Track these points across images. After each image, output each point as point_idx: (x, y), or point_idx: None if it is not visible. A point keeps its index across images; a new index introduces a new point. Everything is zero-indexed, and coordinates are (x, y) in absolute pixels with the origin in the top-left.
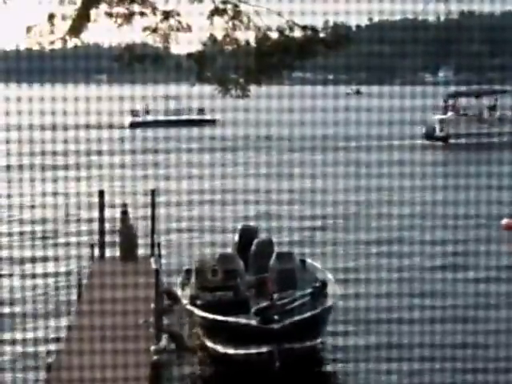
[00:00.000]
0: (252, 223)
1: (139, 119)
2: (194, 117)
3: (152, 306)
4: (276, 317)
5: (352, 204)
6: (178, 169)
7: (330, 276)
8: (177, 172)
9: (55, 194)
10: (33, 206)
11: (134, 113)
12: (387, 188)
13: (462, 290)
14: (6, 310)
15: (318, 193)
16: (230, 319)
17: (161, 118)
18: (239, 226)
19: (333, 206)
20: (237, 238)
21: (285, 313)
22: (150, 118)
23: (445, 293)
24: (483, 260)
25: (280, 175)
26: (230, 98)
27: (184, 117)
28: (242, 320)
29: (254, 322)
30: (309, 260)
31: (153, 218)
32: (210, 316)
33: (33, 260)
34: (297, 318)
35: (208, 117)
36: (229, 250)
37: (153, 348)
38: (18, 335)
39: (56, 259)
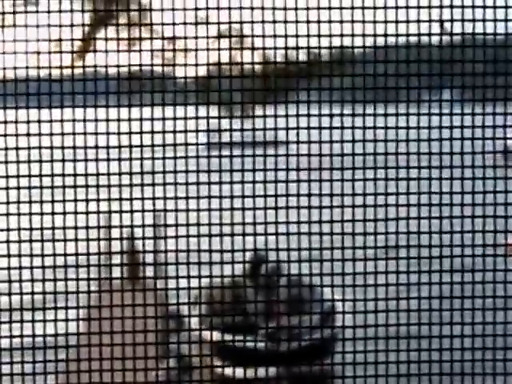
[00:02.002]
0: (262, 248)
1: (214, 139)
2: (268, 138)
3: (158, 327)
4: (283, 339)
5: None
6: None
7: (338, 299)
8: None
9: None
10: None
11: (208, 132)
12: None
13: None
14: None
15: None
16: (236, 342)
17: (235, 138)
18: (250, 250)
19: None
20: (247, 261)
21: (293, 336)
22: (223, 138)
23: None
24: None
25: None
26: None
27: (258, 138)
28: (250, 342)
29: (261, 344)
30: (318, 284)
31: (157, 237)
32: (218, 337)
33: (38, 280)
34: (304, 341)
35: (280, 138)
36: (238, 274)
37: (159, 369)
38: (24, 354)
39: (61, 278)
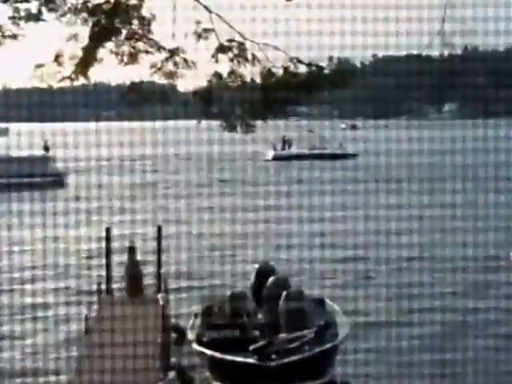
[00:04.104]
0: (271, 261)
1: (282, 153)
2: (336, 151)
3: (159, 341)
4: (274, 355)
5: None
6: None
7: (340, 313)
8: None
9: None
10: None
11: (276, 146)
12: None
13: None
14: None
15: None
16: (227, 357)
17: (303, 151)
18: (257, 264)
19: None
20: (253, 275)
21: (285, 352)
22: (292, 151)
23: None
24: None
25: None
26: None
27: (326, 150)
28: (239, 358)
29: (250, 360)
30: (321, 298)
31: (159, 253)
32: (210, 353)
33: (41, 294)
34: (295, 356)
35: (349, 151)
36: (242, 289)
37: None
38: (28, 366)
39: (63, 295)
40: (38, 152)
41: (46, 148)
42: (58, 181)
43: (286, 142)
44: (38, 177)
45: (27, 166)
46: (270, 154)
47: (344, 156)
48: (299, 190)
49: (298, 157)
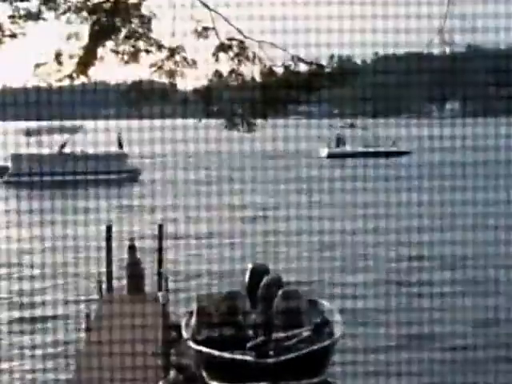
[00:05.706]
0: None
1: (337, 150)
2: (390, 148)
3: (159, 339)
4: (271, 352)
5: None
6: None
7: (336, 313)
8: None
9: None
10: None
11: (330, 144)
12: None
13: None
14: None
15: None
16: (225, 354)
17: (358, 149)
18: (250, 264)
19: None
20: (247, 275)
21: (282, 349)
22: (347, 149)
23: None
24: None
25: None
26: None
27: (380, 148)
28: (237, 355)
29: (248, 357)
30: (317, 298)
31: (160, 252)
32: (206, 350)
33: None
34: (293, 353)
35: (403, 149)
36: (238, 288)
37: (161, 382)
38: (29, 362)
39: (64, 292)
40: (113, 149)
41: (120, 145)
42: (132, 177)
43: (340, 140)
44: (113, 174)
45: (102, 163)
46: (325, 151)
47: (398, 154)
48: (364, 187)
49: (353, 155)
